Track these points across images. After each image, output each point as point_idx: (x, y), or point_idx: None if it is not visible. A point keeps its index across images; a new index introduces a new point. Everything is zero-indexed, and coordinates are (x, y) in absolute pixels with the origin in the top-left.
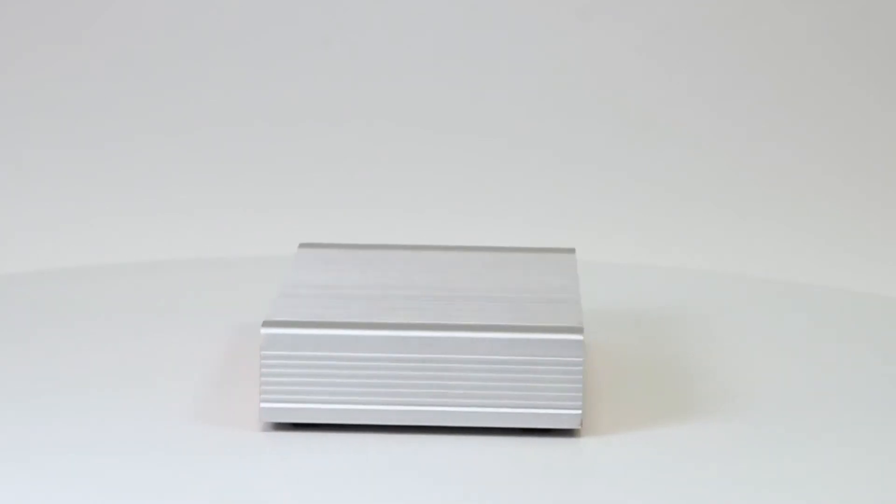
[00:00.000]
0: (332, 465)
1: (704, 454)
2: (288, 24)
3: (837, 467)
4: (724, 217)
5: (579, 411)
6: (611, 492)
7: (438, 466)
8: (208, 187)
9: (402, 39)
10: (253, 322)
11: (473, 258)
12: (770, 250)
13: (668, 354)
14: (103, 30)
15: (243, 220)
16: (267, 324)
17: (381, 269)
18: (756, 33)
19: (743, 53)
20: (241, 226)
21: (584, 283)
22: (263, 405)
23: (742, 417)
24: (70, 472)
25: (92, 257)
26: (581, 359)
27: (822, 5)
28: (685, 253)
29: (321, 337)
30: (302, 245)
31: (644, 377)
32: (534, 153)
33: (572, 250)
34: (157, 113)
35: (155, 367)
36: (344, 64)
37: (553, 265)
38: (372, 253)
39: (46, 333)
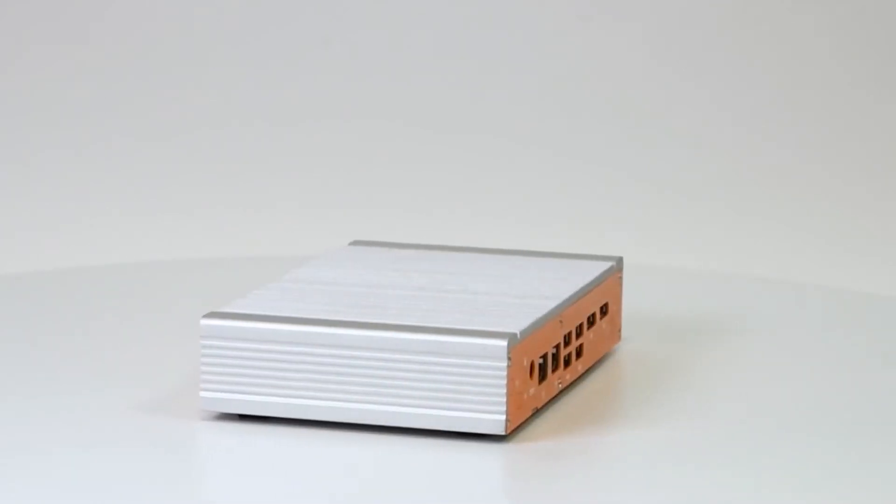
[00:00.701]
0: (249, 459)
1: (634, 462)
2: (288, 24)
3: (837, 469)
4: (724, 217)
5: (503, 416)
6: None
7: (351, 465)
8: (208, 187)
9: (403, 39)
10: None
11: (502, 262)
12: (770, 250)
13: (662, 355)
14: (104, 31)
15: (243, 220)
16: (208, 315)
17: (395, 269)
18: (757, 34)
19: (744, 54)
20: (241, 226)
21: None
22: (203, 394)
23: (731, 419)
24: (45, 470)
25: (92, 257)
26: (504, 364)
27: (822, 6)
28: (685, 253)
29: (254, 329)
30: (352, 242)
31: (632, 380)
32: (534, 153)
33: (613, 259)
34: (156, 113)
35: (147, 366)
36: (344, 64)
37: (573, 271)
38: (410, 252)
39: (46, 333)
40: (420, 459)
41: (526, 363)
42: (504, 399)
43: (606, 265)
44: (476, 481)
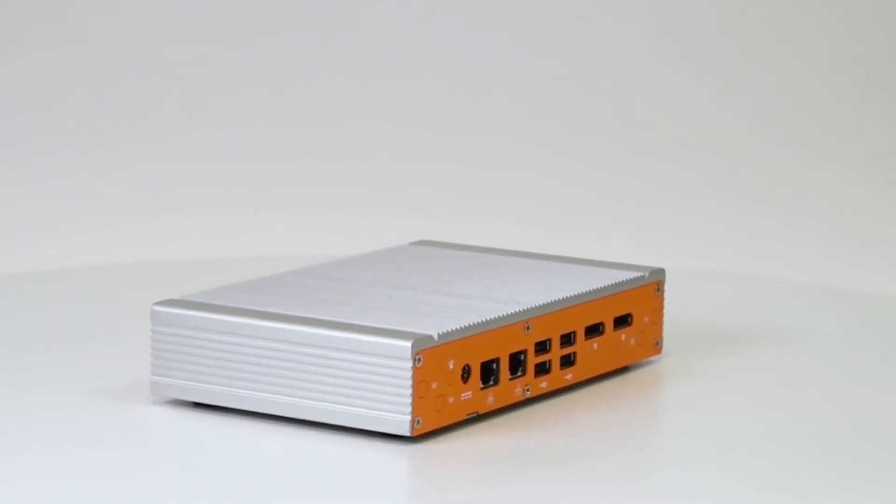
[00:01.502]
0: (180, 448)
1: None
2: (288, 24)
3: (836, 469)
4: (724, 217)
5: (408, 417)
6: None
7: (260, 458)
8: (208, 187)
9: (402, 39)
10: None
11: (528, 266)
12: (770, 250)
13: (658, 359)
14: (104, 31)
15: (243, 220)
16: (160, 302)
17: (406, 269)
18: (757, 34)
19: (744, 54)
20: (241, 226)
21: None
22: (154, 379)
23: (721, 419)
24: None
25: (92, 257)
26: (409, 364)
27: (822, 5)
28: (685, 253)
29: (193, 317)
30: (414, 242)
31: (621, 385)
32: (533, 153)
33: (645, 269)
34: (157, 113)
35: (144, 365)
36: (344, 64)
37: (584, 280)
38: (454, 253)
39: (46, 333)
40: (326, 454)
41: (453, 366)
42: (409, 400)
43: (630, 275)
44: (374, 478)
